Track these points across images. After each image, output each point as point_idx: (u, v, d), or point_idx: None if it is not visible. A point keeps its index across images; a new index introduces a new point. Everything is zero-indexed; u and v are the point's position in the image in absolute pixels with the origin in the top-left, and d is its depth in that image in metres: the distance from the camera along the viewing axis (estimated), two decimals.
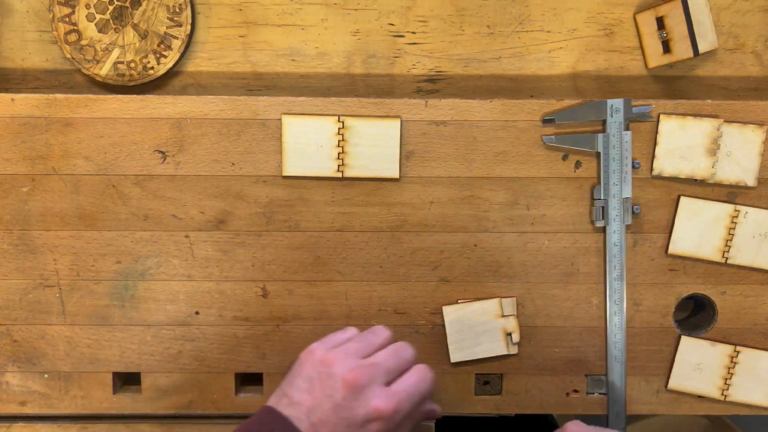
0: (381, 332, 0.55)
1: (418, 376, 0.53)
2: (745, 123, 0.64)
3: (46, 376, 0.66)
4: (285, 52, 0.67)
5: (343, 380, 0.50)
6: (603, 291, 0.66)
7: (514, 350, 0.65)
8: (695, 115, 0.63)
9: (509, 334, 0.64)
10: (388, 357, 0.53)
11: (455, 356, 0.65)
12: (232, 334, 0.66)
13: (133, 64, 0.65)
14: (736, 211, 0.64)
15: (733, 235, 0.65)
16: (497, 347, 0.64)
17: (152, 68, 0.65)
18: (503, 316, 0.64)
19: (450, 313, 0.65)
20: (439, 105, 0.63)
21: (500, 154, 0.64)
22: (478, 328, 0.64)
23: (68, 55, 0.65)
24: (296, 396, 0.50)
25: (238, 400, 0.66)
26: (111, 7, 0.64)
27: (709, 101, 0.64)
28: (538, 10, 0.66)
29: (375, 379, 0.51)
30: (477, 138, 0.64)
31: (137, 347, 0.65)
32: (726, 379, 0.67)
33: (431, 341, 0.66)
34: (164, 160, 0.63)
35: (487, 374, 0.66)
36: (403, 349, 0.54)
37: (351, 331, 0.56)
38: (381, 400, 0.50)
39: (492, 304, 0.64)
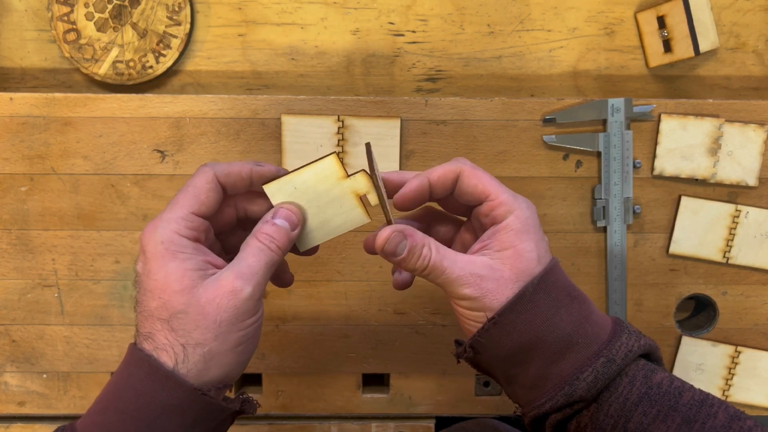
0: None
1: None
2: (746, 122, 0.63)
3: (44, 376, 0.66)
4: (284, 51, 0.67)
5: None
6: (604, 291, 0.66)
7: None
8: (696, 115, 0.63)
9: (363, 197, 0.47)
10: None
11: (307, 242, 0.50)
12: None
13: (132, 63, 0.65)
14: (737, 210, 0.64)
15: (734, 235, 0.64)
16: (354, 216, 0.48)
17: (151, 67, 0.65)
18: (348, 176, 0.47)
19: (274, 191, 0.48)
20: (439, 104, 0.63)
21: (501, 153, 0.64)
22: (322, 199, 0.48)
23: (67, 54, 0.64)
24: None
25: None
26: (110, 6, 0.64)
27: (710, 101, 0.63)
28: (538, 9, 0.66)
29: None
30: (477, 137, 0.63)
31: None
32: (727, 380, 0.67)
33: (431, 341, 0.66)
34: (163, 159, 0.63)
35: None
36: None
37: None
38: None
39: (328, 164, 0.47)
